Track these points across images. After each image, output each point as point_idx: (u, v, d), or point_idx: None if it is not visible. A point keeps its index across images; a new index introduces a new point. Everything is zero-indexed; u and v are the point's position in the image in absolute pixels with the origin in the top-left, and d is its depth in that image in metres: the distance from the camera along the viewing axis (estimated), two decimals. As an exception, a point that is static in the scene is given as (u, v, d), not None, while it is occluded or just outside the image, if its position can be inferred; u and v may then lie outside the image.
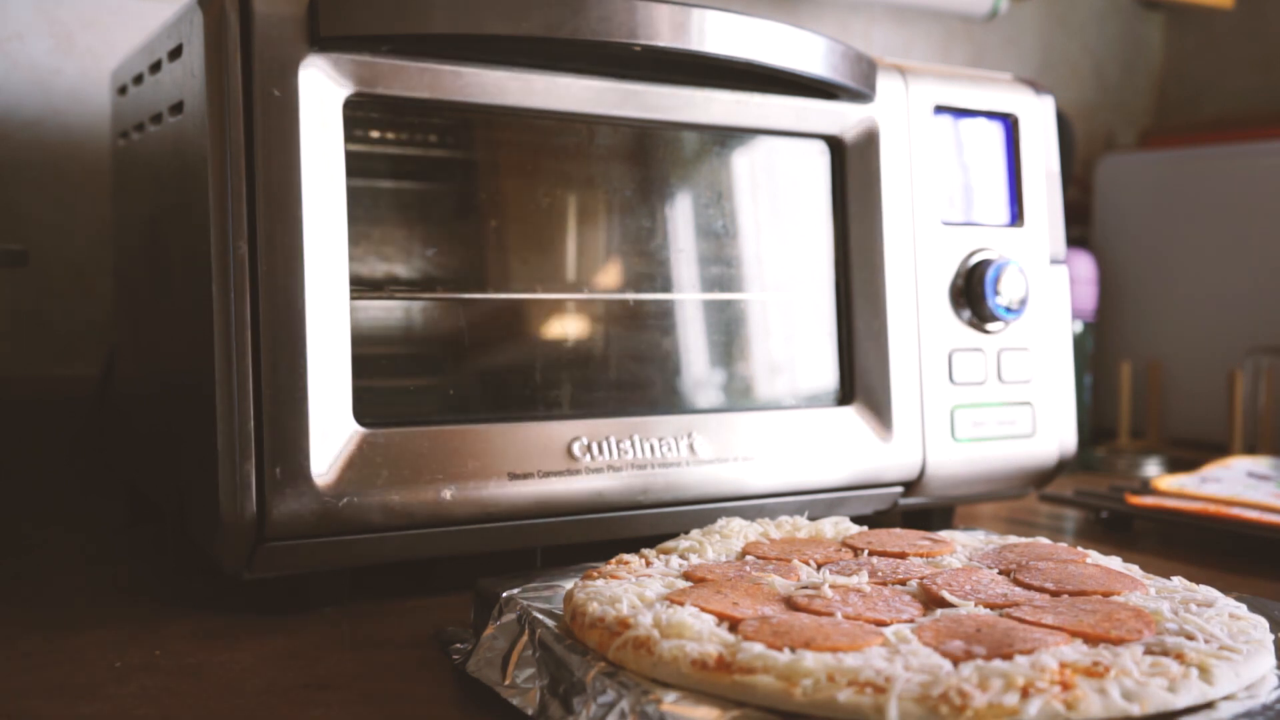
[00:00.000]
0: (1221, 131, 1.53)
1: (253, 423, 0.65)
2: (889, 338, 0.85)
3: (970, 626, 0.51)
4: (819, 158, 0.86)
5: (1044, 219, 0.93)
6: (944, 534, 0.70)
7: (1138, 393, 1.41)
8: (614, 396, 0.79)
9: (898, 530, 0.70)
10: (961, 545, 0.67)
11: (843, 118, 0.85)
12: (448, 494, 0.69)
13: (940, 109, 0.89)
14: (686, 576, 0.60)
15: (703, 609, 0.54)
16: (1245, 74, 1.70)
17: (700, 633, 0.50)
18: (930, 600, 0.56)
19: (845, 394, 0.86)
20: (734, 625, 0.52)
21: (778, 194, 0.86)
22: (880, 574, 0.60)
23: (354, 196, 0.69)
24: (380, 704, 0.56)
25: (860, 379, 0.85)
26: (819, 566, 0.62)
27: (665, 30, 0.72)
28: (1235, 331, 1.36)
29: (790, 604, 0.55)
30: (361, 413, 0.68)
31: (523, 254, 0.78)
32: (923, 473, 0.86)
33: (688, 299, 0.82)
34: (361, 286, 0.71)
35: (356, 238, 0.69)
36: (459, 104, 0.72)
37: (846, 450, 0.83)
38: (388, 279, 0.74)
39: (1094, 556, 0.64)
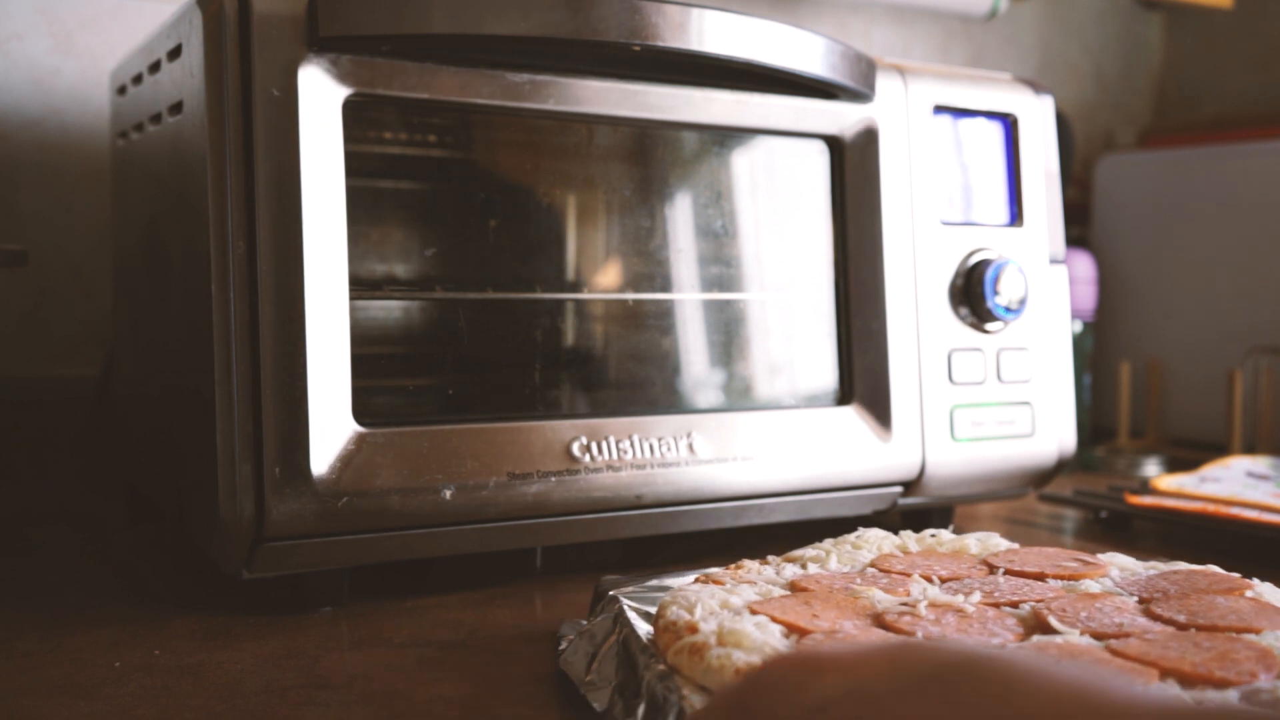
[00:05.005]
0: (1221, 131, 1.53)
1: (252, 422, 0.65)
2: (888, 338, 0.85)
3: (1052, 656, 0.48)
4: (818, 157, 0.86)
5: (1043, 219, 0.93)
6: (1103, 556, 0.65)
7: (1137, 392, 1.41)
8: (614, 396, 0.79)
9: (1051, 550, 0.66)
10: (1119, 569, 0.63)
11: (842, 117, 0.85)
12: (447, 494, 0.69)
13: (940, 109, 0.89)
14: (790, 586, 0.59)
15: (774, 619, 0.52)
16: (1244, 73, 1.70)
17: (757, 643, 0.49)
18: (1038, 626, 0.53)
19: (844, 394, 0.86)
20: (802, 637, 0.51)
21: (777, 194, 0.86)
22: (998, 594, 0.57)
23: (354, 196, 0.69)
24: (380, 704, 0.56)
25: (859, 379, 0.85)
26: (943, 583, 0.59)
27: (665, 30, 0.73)
28: (1235, 331, 1.36)
29: (878, 621, 0.53)
30: (361, 412, 0.68)
31: (523, 254, 0.78)
32: (922, 473, 0.86)
33: (687, 299, 0.82)
34: (361, 286, 0.71)
35: (356, 238, 0.69)
36: (459, 104, 0.72)
37: (846, 450, 0.83)
38: (387, 279, 0.74)
39: (1259, 589, 0.59)
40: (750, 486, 0.79)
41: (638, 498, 0.75)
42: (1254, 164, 1.38)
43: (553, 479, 0.72)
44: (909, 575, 0.60)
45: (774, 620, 0.52)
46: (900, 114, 0.87)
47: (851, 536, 0.68)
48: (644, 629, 0.55)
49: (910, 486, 0.87)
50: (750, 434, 0.80)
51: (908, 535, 0.68)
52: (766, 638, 0.50)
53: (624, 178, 0.81)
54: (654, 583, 0.63)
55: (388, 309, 0.74)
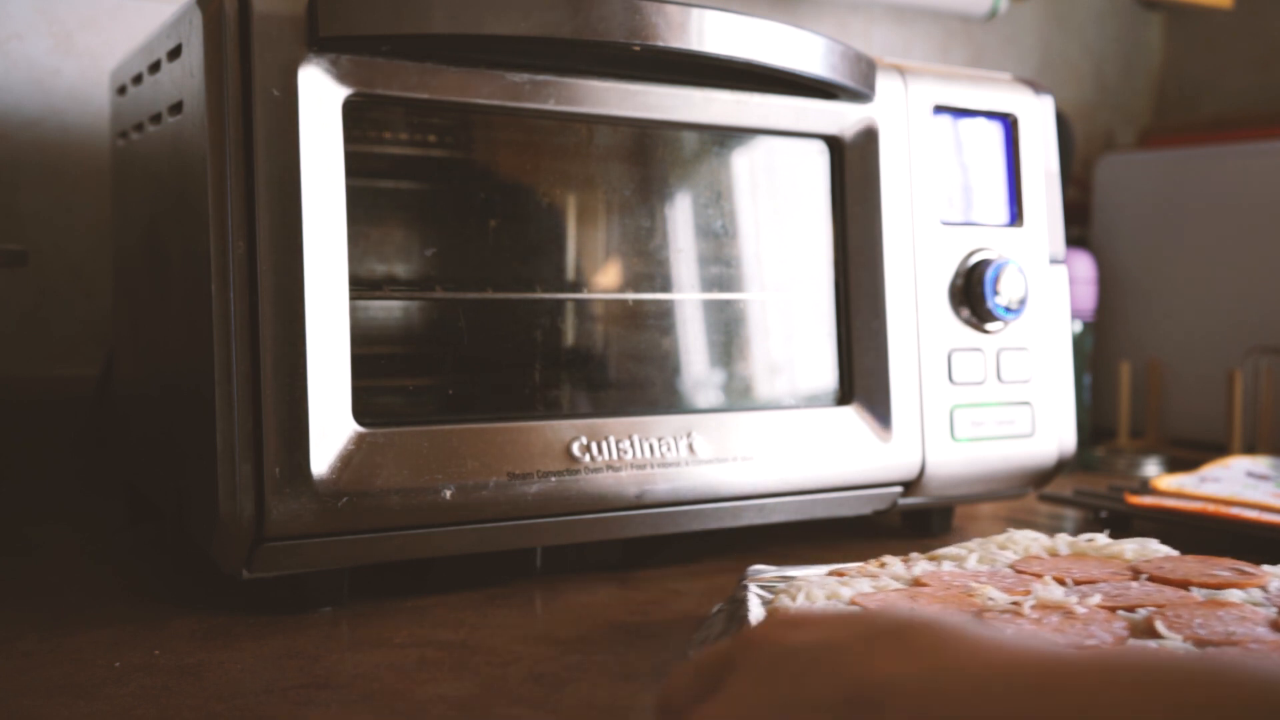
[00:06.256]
0: (1220, 131, 1.53)
1: (252, 422, 0.65)
2: (888, 338, 0.85)
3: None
4: (818, 157, 0.86)
5: (1043, 219, 0.93)
6: (1269, 568, 0.63)
7: (1137, 392, 1.41)
8: (614, 396, 0.79)
9: (1213, 559, 0.64)
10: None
11: (842, 118, 0.85)
12: (447, 494, 0.69)
13: (940, 109, 0.89)
14: (914, 582, 0.61)
15: (865, 609, 0.54)
16: (1244, 73, 1.70)
17: None
18: (1147, 631, 0.53)
19: (844, 394, 0.86)
20: None
21: (777, 194, 0.86)
22: (1121, 599, 0.57)
23: (354, 196, 0.69)
24: (380, 704, 0.56)
25: (859, 379, 0.85)
26: (1075, 585, 0.60)
27: (665, 30, 0.73)
28: (1235, 331, 1.36)
29: (978, 617, 0.54)
30: (361, 412, 0.68)
31: (523, 254, 0.78)
32: (922, 473, 0.86)
33: (687, 299, 0.82)
34: (361, 286, 0.71)
35: (356, 238, 0.69)
36: (459, 104, 0.72)
37: (846, 450, 0.83)
38: (387, 279, 0.74)
39: None
40: (750, 486, 0.79)
41: (638, 498, 0.75)
42: (1254, 164, 1.38)
43: (553, 479, 0.72)
44: (1040, 576, 0.60)
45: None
46: (900, 114, 0.87)
47: (1000, 537, 0.69)
48: (759, 615, 0.58)
49: (910, 486, 0.87)
50: (750, 434, 0.80)
51: (1061, 538, 0.68)
52: None
53: (624, 178, 0.81)
54: (790, 572, 0.65)
55: (388, 309, 0.74)
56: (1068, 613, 0.54)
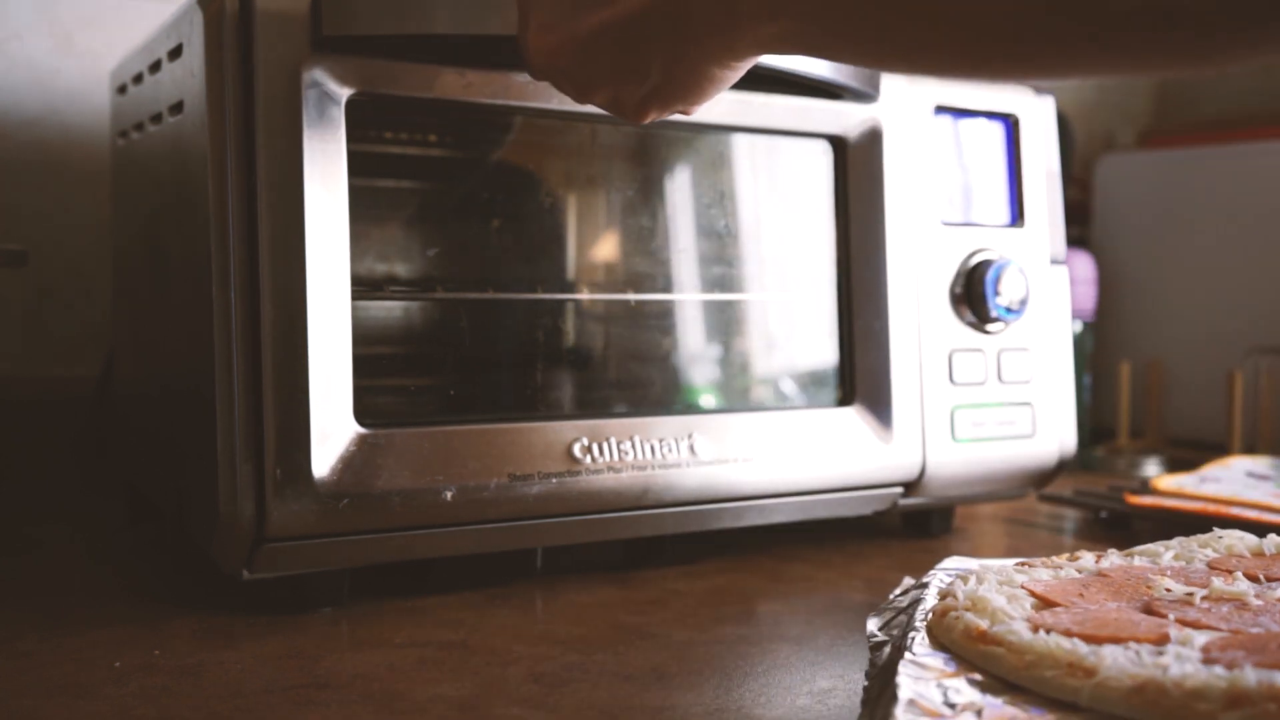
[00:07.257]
0: (1221, 131, 1.53)
1: (252, 423, 0.65)
2: (889, 338, 0.85)
3: (1275, 643, 0.49)
4: (821, 157, 0.86)
5: (1044, 219, 0.93)
6: None
7: (1137, 393, 1.41)
8: (614, 397, 0.79)
9: None
10: None
11: (845, 117, 0.85)
12: (448, 494, 0.69)
13: (941, 109, 0.89)
14: (1100, 575, 0.61)
15: (1031, 593, 0.57)
16: (1244, 74, 1.70)
17: (993, 609, 0.54)
18: None
19: (846, 394, 0.85)
20: (1051, 608, 0.55)
21: (780, 194, 0.86)
22: None
23: (356, 196, 0.69)
24: (380, 704, 0.56)
25: (861, 379, 0.85)
26: (1267, 581, 0.59)
27: (666, 30, 0.72)
28: (1235, 331, 1.36)
29: (1147, 607, 0.55)
30: (362, 413, 0.68)
31: (523, 254, 0.78)
32: (923, 473, 0.86)
33: (689, 299, 0.82)
34: (363, 286, 0.71)
35: (357, 238, 0.69)
36: (461, 104, 0.72)
37: (846, 451, 0.83)
38: (389, 279, 0.74)
39: None
40: (751, 487, 0.79)
41: (639, 499, 0.75)
42: (1254, 164, 1.38)
43: (554, 480, 0.72)
44: (1230, 573, 0.60)
45: (1032, 595, 0.56)
46: (903, 114, 0.87)
47: (1204, 535, 0.68)
48: (932, 603, 0.59)
49: (911, 487, 0.87)
50: (751, 435, 0.80)
51: (1271, 538, 0.67)
52: (1009, 607, 0.54)
53: (626, 177, 0.81)
54: (980, 563, 0.66)
55: (389, 309, 0.74)
56: (1241, 604, 0.54)
